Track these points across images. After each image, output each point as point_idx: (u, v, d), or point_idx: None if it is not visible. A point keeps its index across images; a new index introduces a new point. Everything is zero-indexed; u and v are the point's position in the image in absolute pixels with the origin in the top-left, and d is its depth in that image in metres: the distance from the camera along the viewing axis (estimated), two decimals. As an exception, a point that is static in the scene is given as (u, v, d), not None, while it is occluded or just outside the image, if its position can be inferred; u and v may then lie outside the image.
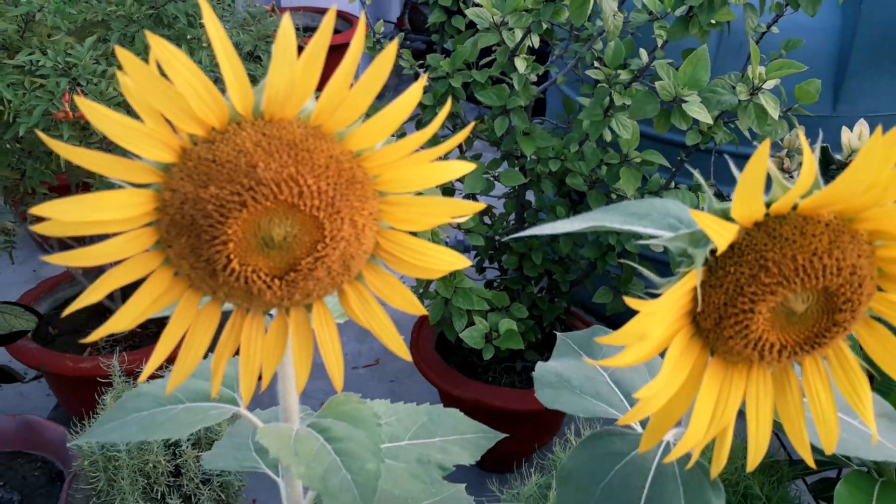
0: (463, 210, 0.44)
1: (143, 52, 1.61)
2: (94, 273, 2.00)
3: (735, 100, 1.26)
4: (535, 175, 1.56)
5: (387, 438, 0.63)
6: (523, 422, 1.68)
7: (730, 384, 0.43)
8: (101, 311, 1.95)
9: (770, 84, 1.25)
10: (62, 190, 1.73)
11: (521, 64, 1.32)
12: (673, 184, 1.54)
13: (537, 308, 1.73)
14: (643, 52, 1.34)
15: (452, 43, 1.65)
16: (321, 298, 0.45)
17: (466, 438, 0.65)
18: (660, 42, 1.33)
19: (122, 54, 0.36)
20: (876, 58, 1.70)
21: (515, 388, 1.75)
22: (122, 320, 0.42)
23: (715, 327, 0.41)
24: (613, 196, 1.53)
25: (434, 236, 1.37)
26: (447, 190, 1.69)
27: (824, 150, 1.46)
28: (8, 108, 1.42)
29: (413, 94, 0.40)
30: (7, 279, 2.40)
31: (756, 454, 0.44)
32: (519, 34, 1.31)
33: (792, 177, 1.47)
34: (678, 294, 0.39)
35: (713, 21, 1.25)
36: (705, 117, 1.25)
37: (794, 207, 0.39)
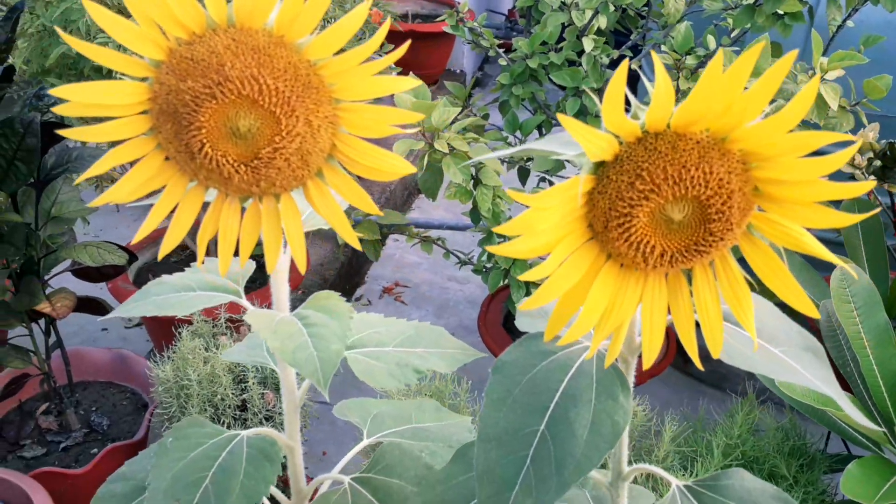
0: (408, 118, 0.51)
1: None
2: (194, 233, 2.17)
3: (796, 88, 1.27)
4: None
5: (373, 344, 0.71)
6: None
7: (626, 286, 0.49)
8: (187, 258, 2.11)
9: (832, 74, 1.26)
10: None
11: (588, 44, 1.37)
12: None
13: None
14: (710, 39, 1.37)
15: (539, 26, 1.71)
16: (287, 190, 0.53)
17: (446, 352, 0.72)
18: (730, 31, 1.36)
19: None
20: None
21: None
22: (120, 191, 0.52)
23: (603, 230, 0.47)
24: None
25: (496, 215, 1.44)
26: (523, 170, 1.75)
27: (892, 146, 1.44)
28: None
29: (361, 11, 0.48)
30: (120, 233, 2.61)
31: (650, 353, 0.50)
32: (588, 14, 1.36)
33: (863, 174, 1.46)
34: (564, 194, 0.45)
35: (780, 11, 1.27)
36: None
37: (669, 126, 0.44)
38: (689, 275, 0.50)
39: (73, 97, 0.49)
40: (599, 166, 0.46)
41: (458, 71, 3.74)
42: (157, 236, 2.16)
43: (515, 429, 0.54)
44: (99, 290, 1.74)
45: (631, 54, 1.58)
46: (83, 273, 1.56)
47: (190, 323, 1.66)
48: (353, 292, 2.47)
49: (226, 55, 0.48)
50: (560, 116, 0.42)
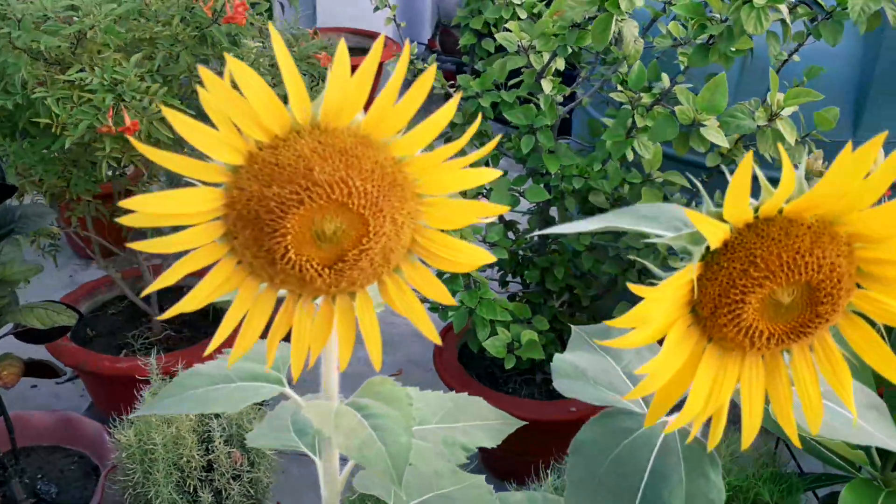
0: (489, 211, 0.50)
1: (187, 71, 1.69)
2: (132, 278, 2.09)
3: (753, 125, 1.32)
4: (558, 192, 1.62)
5: (416, 422, 0.69)
6: (542, 432, 1.72)
7: (725, 368, 0.49)
8: (137, 315, 2.04)
9: (788, 111, 1.30)
10: (106, 197, 1.82)
11: (547, 85, 1.39)
12: (694, 203, 1.59)
13: (558, 322, 1.79)
14: (665, 77, 1.40)
15: (482, 64, 1.72)
16: (364, 287, 0.51)
17: (488, 424, 0.71)
18: (682, 67, 1.39)
19: (203, 72, 0.43)
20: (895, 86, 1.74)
21: (535, 398, 1.80)
22: (192, 302, 0.49)
23: (711, 315, 0.47)
24: (635, 214, 1.59)
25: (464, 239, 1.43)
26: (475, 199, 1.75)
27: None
28: (56, 121, 1.50)
29: (448, 109, 0.46)
30: (47, 283, 2.48)
31: (749, 433, 0.50)
32: (546, 57, 1.38)
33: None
34: (677, 284, 0.45)
35: (733, 49, 1.31)
36: (722, 141, 1.30)
37: (780, 211, 0.45)
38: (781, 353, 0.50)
39: (143, 208, 0.45)
40: (707, 253, 0.46)
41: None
42: (94, 286, 2.07)
43: (607, 514, 0.53)
44: (35, 350, 1.66)
45: (583, 91, 1.61)
46: (26, 335, 1.49)
47: (135, 380, 1.59)
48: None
49: (313, 159, 0.46)
50: (688, 212, 0.42)
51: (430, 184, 0.49)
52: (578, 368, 0.69)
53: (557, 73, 1.53)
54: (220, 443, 1.44)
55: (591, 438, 0.56)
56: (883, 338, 0.47)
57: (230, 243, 0.49)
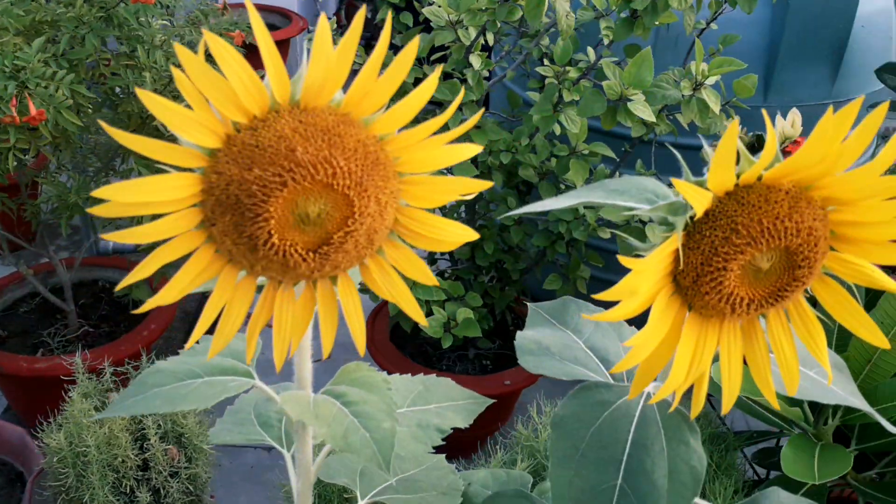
0: (472, 187, 0.49)
1: (94, 54, 1.62)
2: (43, 273, 2.00)
3: (679, 95, 1.35)
4: (486, 167, 1.62)
5: (397, 406, 0.68)
6: (480, 406, 1.74)
7: (705, 336, 0.50)
8: (51, 312, 1.96)
9: (711, 80, 1.34)
10: (11, 189, 1.73)
11: (475, 60, 1.38)
12: (618, 173, 1.62)
13: (489, 297, 1.80)
14: (591, 51, 1.42)
15: (400, 39, 1.70)
16: (346, 271, 0.50)
17: (459, 404, 0.71)
18: (606, 41, 1.41)
19: (179, 49, 0.41)
20: (802, 50, 1.81)
21: (469, 374, 1.81)
22: (170, 293, 0.47)
23: (693, 284, 0.48)
24: (562, 186, 1.61)
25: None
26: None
27: (759, 137, 1.55)
28: (-47, 111, 1.42)
29: (430, 84, 0.45)
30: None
31: (729, 398, 0.51)
32: (473, 32, 1.37)
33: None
34: (662, 254, 0.46)
35: (657, 22, 1.33)
36: (649, 115, 1.33)
37: (759, 178, 0.46)
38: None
39: (116, 197, 0.43)
40: (689, 222, 0.47)
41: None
42: (3, 284, 1.98)
43: (592, 486, 0.54)
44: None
45: (506, 65, 1.61)
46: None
47: (59, 380, 1.52)
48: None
49: (295, 139, 0.44)
50: (675, 181, 0.42)
51: (412, 162, 0.48)
52: (542, 345, 0.70)
53: (483, 47, 1.53)
54: (155, 440, 1.40)
55: (571, 413, 0.56)
56: (854, 297, 0.49)
57: (208, 230, 0.47)
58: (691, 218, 0.47)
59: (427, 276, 0.51)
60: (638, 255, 0.47)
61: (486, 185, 0.49)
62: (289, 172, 0.44)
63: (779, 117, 1.37)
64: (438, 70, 0.47)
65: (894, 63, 1.95)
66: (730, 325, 0.51)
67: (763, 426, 1.47)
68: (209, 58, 0.43)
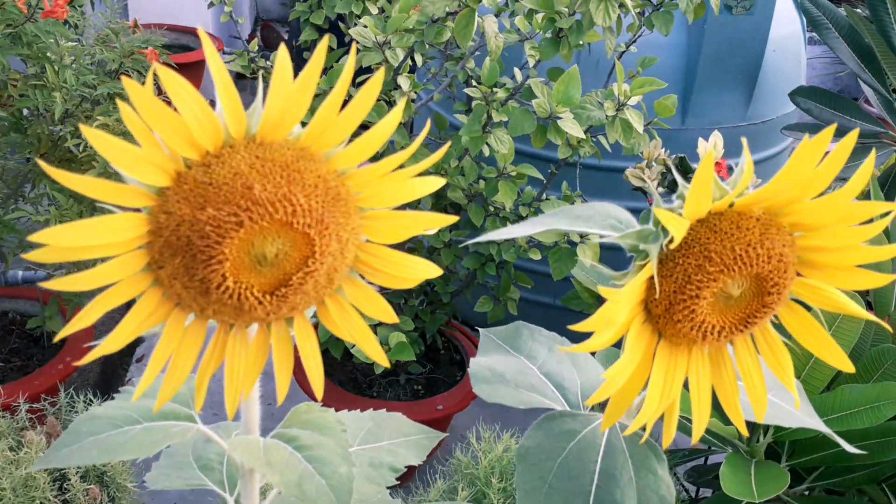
0: (435, 222, 0.47)
1: (2, 73, 1.55)
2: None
3: (603, 115, 1.36)
4: (414, 191, 1.60)
5: (350, 448, 0.66)
6: (413, 432, 1.71)
7: (675, 364, 0.49)
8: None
9: (634, 100, 1.35)
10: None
11: (404, 82, 1.37)
12: (545, 195, 1.63)
13: (419, 320, 1.78)
14: (517, 72, 1.42)
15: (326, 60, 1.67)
16: (303, 312, 0.47)
17: (411, 440, 0.68)
18: (532, 61, 1.41)
19: (129, 83, 0.38)
20: (718, 74, 1.86)
21: (401, 400, 1.79)
22: (116, 341, 0.43)
23: (665, 312, 0.47)
24: (491, 208, 1.60)
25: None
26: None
27: (682, 160, 1.58)
28: None
29: (394, 116, 0.43)
30: None
31: (699, 426, 0.50)
32: (401, 54, 1.36)
33: (649, 187, 1.58)
34: (638, 283, 0.45)
35: (581, 42, 1.34)
36: (578, 132, 1.34)
37: (731, 205, 0.45)
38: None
39: (56, 241, 0.40)
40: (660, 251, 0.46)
41: (209, 100, 3.58)
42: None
43: (561, 520, 0.52)
44: None
45: (432, 88, 1.60)
46: None
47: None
48: (134, 351, 2.28)
49: (252, 176, 0.41)
50: (656, 210, 0.41)
51: (375, 196, 0.46)
52: (496, 372, 0.68)
53: (410, 69, 1.51)
54: (76, 480, 1.33)
55: (536, 444, 0.54)
56: (820, 322, 0.49)
57: (155, 273, 0.43)
58: (663, 247, 0.46)
59: (388, 315, 0.49)
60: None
61: (451, 219, 0.47)
62: (245, 212, 0.41)
63: (700, 140, 1.40)
64: (402, 102, 0.45)
65: (805, 86, 2.02)
66: (698, 353, 0.50)
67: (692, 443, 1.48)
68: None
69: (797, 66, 2.06)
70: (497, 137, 1.43)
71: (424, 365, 1.84)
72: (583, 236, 1.45)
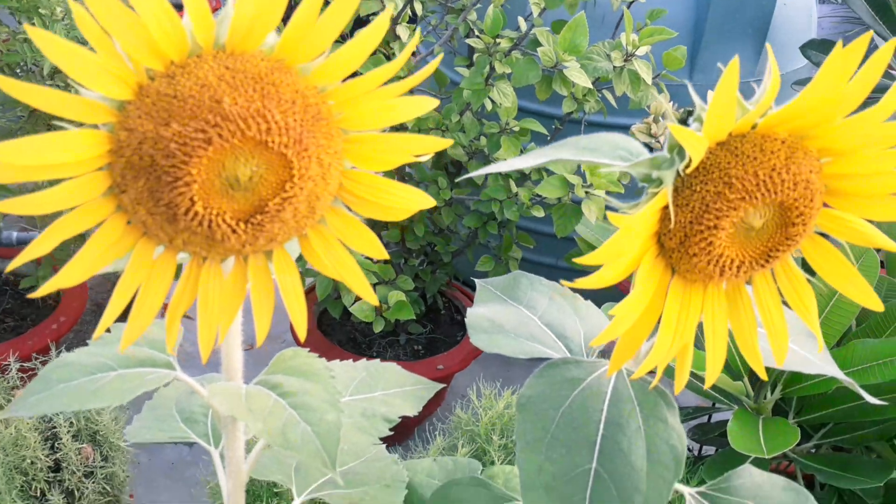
0: (427, 146, 0.43)
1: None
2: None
3: (610, 66, 1.31)
4: (414, 146, 1.55)
5: (340, 395, 0.62)
6: (413, 393, 1.68)
7: (689, 302, 0.45)
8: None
9: (642, 51, 1.30)
10: None
11: (403, 32, 1.32)
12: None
13: (420, 280, 1.74)
14: (521, 21, 1.36)
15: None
16: (282, 244, 0.44)
17: (406, 391, 0.65)
18: (536, 11, 1.36)
19: (79, -23, 0.34)
20: (727, 28, 1.80)
21: (401, 360, 1.76)
22: (73, 273, 0.39)
23: (679, 246, 0.43)
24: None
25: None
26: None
27: (689, 113, 1.53)
28: None
29: (379, 25, 0.39)
30: None
31: (714, 368, 0.46)
32: (401, 2, 1.31)
33: (659, 142, 1.54)
34: (651, 211, 0.41)
35: (587, -12, 1.29)
36: (584, 81, 1.29)
37: (754, 126, 0.41)
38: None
39: (7, 157, 0.36)
40: (677, 176, 0.42)
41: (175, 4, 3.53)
42: None
43: (564, 471, 0.49)
44: None
45: (434, 41, 1.55)
46: None
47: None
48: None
49: (221, 88, 0.37)
50: (672, 126, 0.37)
51: (359, 117, 0.41)
52: (495, 322, 0.64)
53: (409, 20, 1.46)
54: (67, 439, 1.30)
55: (539, 393, 0.51)
56: (847, 257, 0.45)
57: (118, 198, 0.39)
58: (680, 173, 0.42)
59: (377, 249, 0.45)
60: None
61: (445, 143, 0.43)
62: (214, 128, 0.37)
63: (710, 93, 1.35)
64: (389, 9, 0.41)
65: (817, 39, 1.96)
66: (714, 290, 0.46)
67: (696, 401, 1.45)
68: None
69: (808, 19, 2.00)
70: (500, 90, 1.38)
71: (425, 325, 1.80)
72: (588, 192, 1.41)
